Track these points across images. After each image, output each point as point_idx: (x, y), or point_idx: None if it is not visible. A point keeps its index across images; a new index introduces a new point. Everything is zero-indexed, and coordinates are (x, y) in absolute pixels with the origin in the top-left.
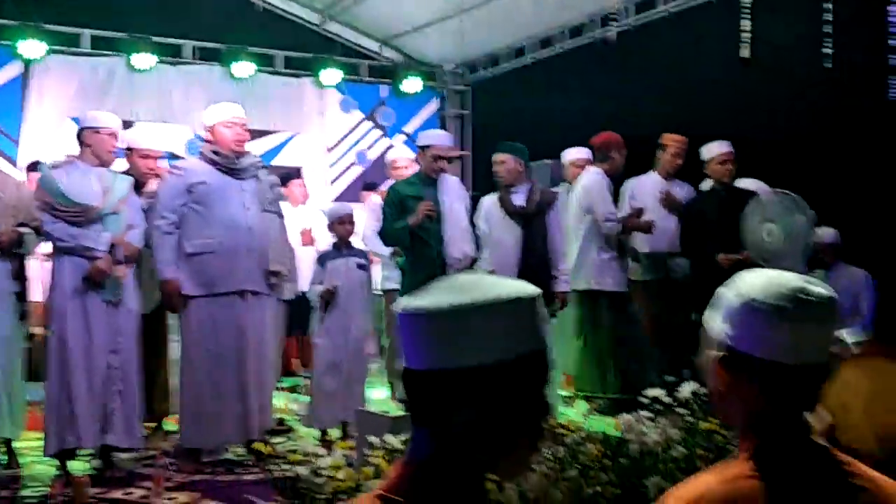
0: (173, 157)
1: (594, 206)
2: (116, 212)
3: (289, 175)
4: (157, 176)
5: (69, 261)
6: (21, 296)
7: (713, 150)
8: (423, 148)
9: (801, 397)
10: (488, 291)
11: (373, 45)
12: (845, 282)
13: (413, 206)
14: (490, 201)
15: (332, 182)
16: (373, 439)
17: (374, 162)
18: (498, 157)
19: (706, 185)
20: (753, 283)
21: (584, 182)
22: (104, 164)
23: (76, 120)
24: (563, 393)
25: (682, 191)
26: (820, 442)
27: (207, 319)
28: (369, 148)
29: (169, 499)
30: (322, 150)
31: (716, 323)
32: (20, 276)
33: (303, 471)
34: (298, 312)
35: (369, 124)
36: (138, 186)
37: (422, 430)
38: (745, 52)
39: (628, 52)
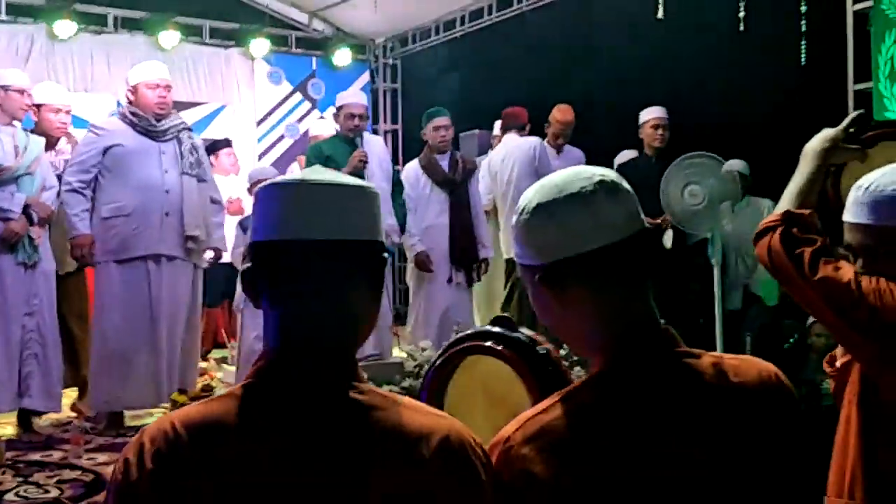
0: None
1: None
2: (30, 172)
3: (216, 144)
4: (67, 134)
5: None
6: None
7: (645, 115)
8: (339, 109)
9: (620, 288)
10: None
11: (302, 17)
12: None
13: (337, 166)
14: (414, 168)
15: (262, 155)
16: None
17: (305, 134)
18: (442, 120)
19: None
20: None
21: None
22: (15, 122)
23: None
24: None
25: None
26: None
27: (120, 283)
28: (299, 121)
29: (88, 459)
30: (251, 122)
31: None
32: None
33: None
34: (225, 283)
35: (299, 96)
36: (49, 144)
37: None
38: (660, 12)
39: (552, 23)
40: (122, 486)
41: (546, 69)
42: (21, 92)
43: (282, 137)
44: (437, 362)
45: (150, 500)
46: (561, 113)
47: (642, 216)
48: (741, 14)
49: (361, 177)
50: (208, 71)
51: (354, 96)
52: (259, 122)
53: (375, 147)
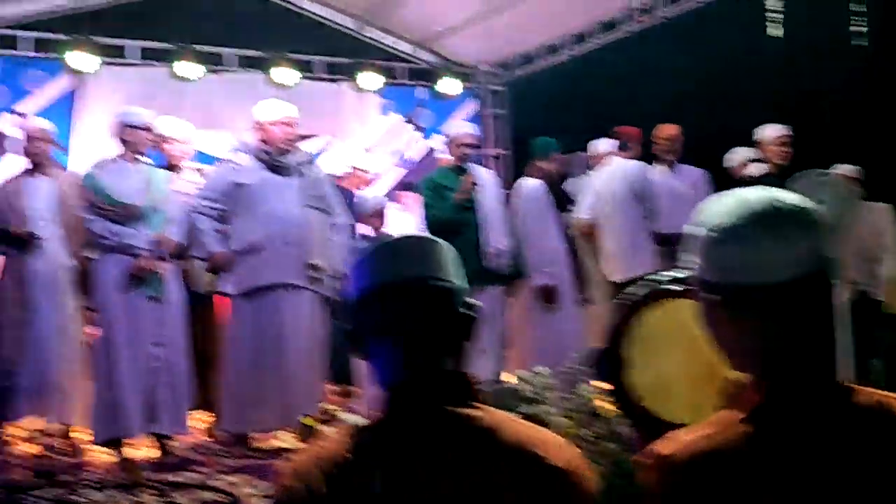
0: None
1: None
2: (157, 208)
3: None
4: (196, 169)
5: (112, 258)
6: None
7: (769, 131)
8: (450, 139)
9: (796, 322)
10: None
11: (409, 49)
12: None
13: (449, 195)
14: (536, 188)
15: (373, 184)
16: None
17: (418, 163)
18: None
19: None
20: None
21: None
22: (141, 157)
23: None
24: None
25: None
26: (846, 384)
27: (250, 313)
28: (408, 149)
29: (220, 480)
30: (362, 153)
31: (690, 261)
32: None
33: None
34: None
35: (408, 126)
36: (172, 171)
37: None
38: (774, 30)
39: (661, 43)
40: None
41: (652, 90)
42: (145, 129)
43: (392, 166)
44: (623, 314)
45: None
46: (660, 129)
47: (826, 251)
48: (854, 28)
49: (472, 201)
50: (321, 105)
51: (463, 126)
52: (369, 152)
53: (484, 176)
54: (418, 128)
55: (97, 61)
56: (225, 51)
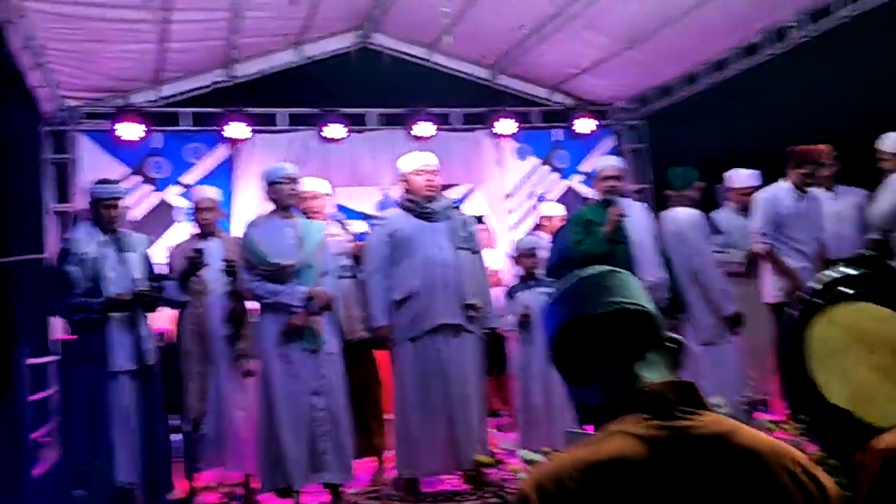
0: (367, 217)
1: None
2: (310, 263)
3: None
4: (339, 224)
5: (270, 314)
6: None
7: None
8: (596, 174)
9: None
10: None
11: (542, 92)
12: None
13: (597, 229)
14: (693, 218)
15: (514, 227)
16: None
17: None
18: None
19: None
20: None
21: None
22: (289, 209)
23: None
24: None
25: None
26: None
27: (414, 357)
28: (548, 191)
29: None
30: (501, 197)
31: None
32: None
33: None
34: (492, 351)
35: (546, 168)
36: None
37: None
38: None
39: (802, 66)
40: None
41: (792, 115)
42: (292, 180)
43: (533, 209)
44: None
45: None
46: (798, 151)
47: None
48: None
49: (622, 234)
50: (460, 154)
51: (607, 160)
52: (508, 196)
53: (634, 209)
54: (555, 169)
55: (250, 130)
56: (367, 111)
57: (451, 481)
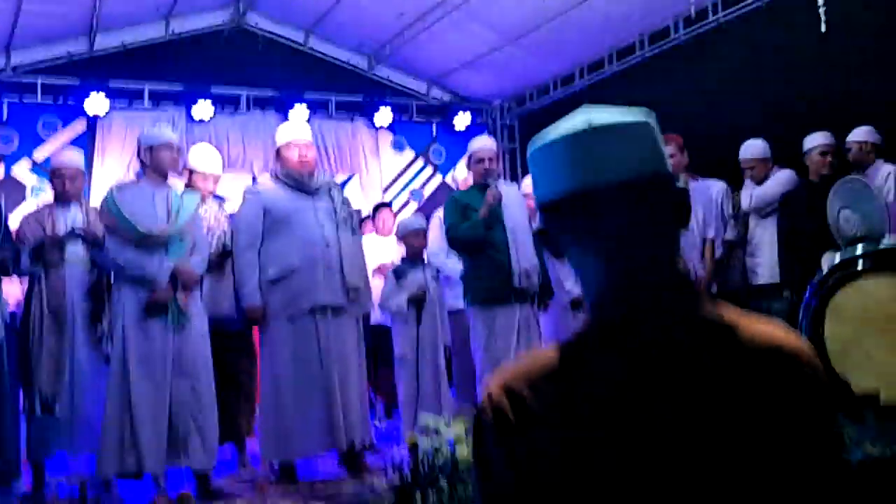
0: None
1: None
2: (181, 237)
3: (379, 207)
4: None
5: (131, 287)
6: (93, 316)
7: (811, 141)
8: (469, 157)
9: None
10: None
11: (420, 86)
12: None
13: (473, 214)
14: None
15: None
16: None
17: (429, 199)
18: None
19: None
20: None
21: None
22: (166, 177)
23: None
24: None
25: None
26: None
27: (291, 338)
28: (423, 186)
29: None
30: (378, 189)
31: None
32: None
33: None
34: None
35: (422, 162)
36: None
37: None
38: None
39: (677, 68)
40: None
41: (667, 117)
42: (170, 146)
43: (407, 202)
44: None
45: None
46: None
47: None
48: None
49: (500, 217)
50: (336, 143)
51: (481, 142)
52: (385, 189)
53: (512, 191)
54: (431, 163)
55: (112, 105)
56: (240, 92)
57: (330, 469)
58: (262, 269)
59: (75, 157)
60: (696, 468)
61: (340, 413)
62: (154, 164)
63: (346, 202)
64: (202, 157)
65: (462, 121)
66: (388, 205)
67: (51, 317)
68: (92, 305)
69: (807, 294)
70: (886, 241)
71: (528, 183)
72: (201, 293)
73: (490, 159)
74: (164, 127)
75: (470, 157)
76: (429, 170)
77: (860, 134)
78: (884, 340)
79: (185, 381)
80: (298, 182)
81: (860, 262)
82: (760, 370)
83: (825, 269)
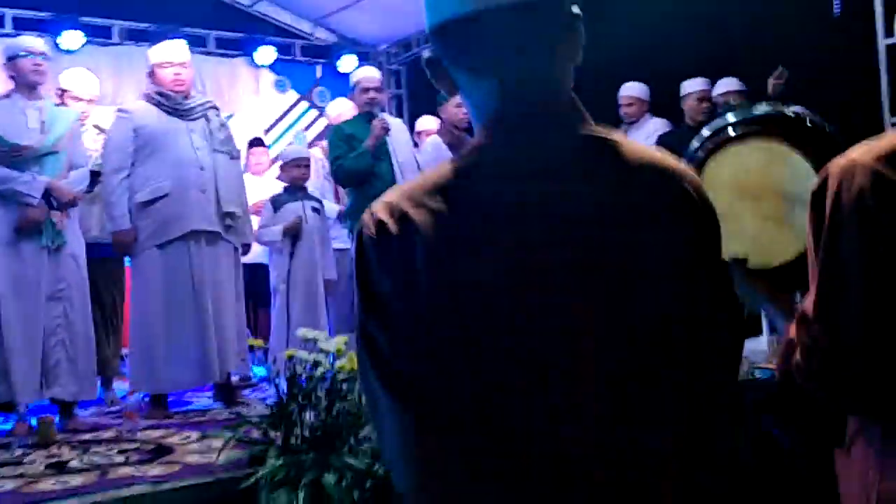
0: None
1: None
2: (56, 151)
3: (253, 142)
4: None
5: (1, 205)
6: None
7: (689, 87)
8: (353, 87)
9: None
10: None
11: (305, 25)
12: None
13: (360, 144)
14: (439, 144)
15: (272, 162)
16: None
17: (312, 142)
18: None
19: None
20: None
21: None
22: (35, 88)
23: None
24: None
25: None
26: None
27: (162, 265)
28: (307, 129)
29: (143, 431)
30: (260, 130)
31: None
32: None
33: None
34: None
35: (305, 104)
36: None
37: None
38: None
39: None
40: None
41: None
42: (37, 54)
43: (290, 145)
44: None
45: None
46: None
47: None
48: None
49: (386, 150)
50: (215, 81)
51: (366, 71)
52: (267, 131)
53: (397, 124)
54: (315, 106)
55: None
56: (112, 22)
57: (204, 403)
58: (133, 193)
59: None
60: (582, 286)
61: (214, 345)
62: (19, 75)
63: (223, 125)
64: (75, 77)
65: (348, 63)
66: (261, 142)
67: None
68: None
69: None
70: (759, 108)
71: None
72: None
73: (376, 89)
74: (24, 36)
75: (354, 87)
76: (313, 112)
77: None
78: (756, 208)
79: (59, 305)
80: (172, 103)
81: (731, 129)
82: (648, 183)
83: (696, 143)
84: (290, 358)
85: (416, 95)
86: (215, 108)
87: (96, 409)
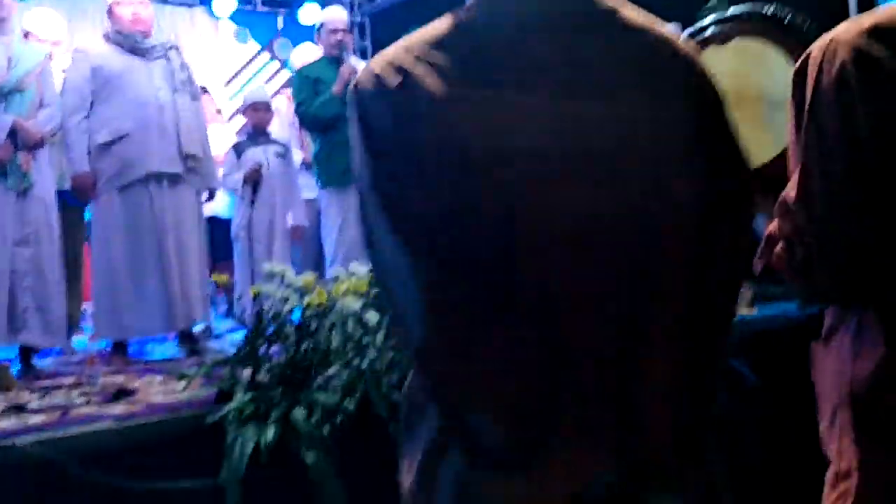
0: None
1: None
2: (21, 89)
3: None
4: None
5: None
6: None
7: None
8: (319, 29)
9: None
10: None
11: None
12: None
13: (325, 88)
14: None
15: (232, 117)
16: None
17: (274, 95)
18: None
19: None
20: None
21: None
22: (12, 30)
23: None
24: None
25: None
26: None
27: (121, 209)
28: (268, 81)
29: (105, 376)
30: (220, 82)
31: None
32: None
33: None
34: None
35: (267, 56)
36: None
37: None
38: None
39: None
40: None
41: None
42: None
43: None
44: None
45: None
46: None
47: None
48: None
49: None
50: (172, 30)
51: (334, 12)
52: (228, 83)
53: (360, 66)
54: (276, 58)
55: None
56: None
57: (166, 350)
58: (92, 135)
59: None
60: (591, 150)
61: (178, 290)
62: None
63: (184, 66)
64: (39, 18)
65: (310, 14)
66: (206, 90)
67: None
68: None
69: None
70: (736, 8)
71: None
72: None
73: (343, 31)
74: None
75: (320, 29)
76: (275, 64)
77: None
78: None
79: (26, 250)
80: (131, 42)
81: (710, 29)
82: (651, 48)
83: None
84: (257, 296)
85: (382, 47)
86: (176, 48)
87: (53, 359)
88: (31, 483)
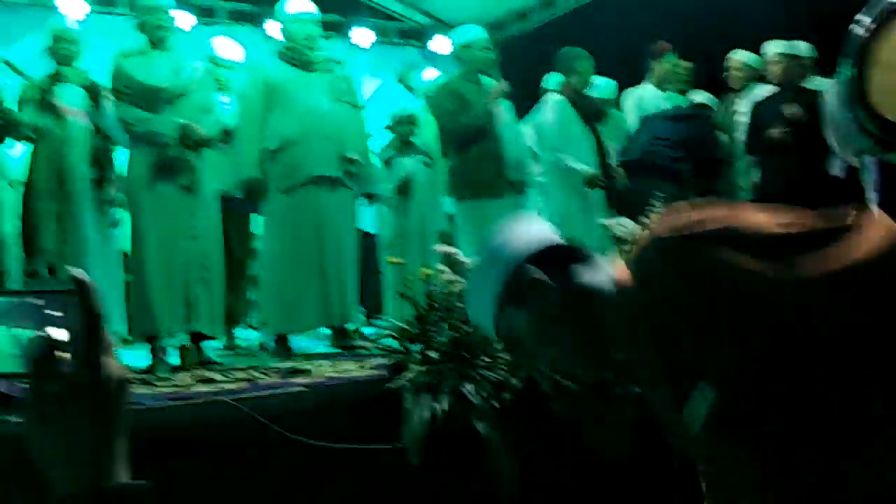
0: None
1: None
2: (188, 94)
3: None
4: None
5: (139, 148)
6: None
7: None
8: (465, 46)
9: None
10: None
11: (400, 8)
12: None
13: (474, 99)
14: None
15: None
16: None
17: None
18: None
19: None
20: None
21: None
22: (162, 42)
23: None
24: None
25: None
26: None
27: (287, 211)
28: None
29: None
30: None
31: None
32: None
33: None
34: None
35: (399, 87)
36: None
37: None
38: None
39: None
40: None
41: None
42: (157, 12)
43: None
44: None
45: None
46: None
47: None
48: None
49: (490, 111)
50: None
51: (478, 31)
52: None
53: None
54: (408, 88)
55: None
56: (216, 3)
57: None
58: (263, 142)
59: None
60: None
61: (336, 289)
62: (149, 31)
63: (346, 78)
64: (223, 46)
65: (441, 45)
66: None
67: (53, 178)
68: (97, 171)
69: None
70: None
71: None
72: None
73: (488, 48)
74: None
75: (467, 46)
76: (407, 95)
77: None
78: None
79: (196, 243)
80: (301, 55)
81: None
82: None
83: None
84: (427, 278)
85: (507, 78)
86: (338, 62)
87: (216, 350)
88: (233, 437)
